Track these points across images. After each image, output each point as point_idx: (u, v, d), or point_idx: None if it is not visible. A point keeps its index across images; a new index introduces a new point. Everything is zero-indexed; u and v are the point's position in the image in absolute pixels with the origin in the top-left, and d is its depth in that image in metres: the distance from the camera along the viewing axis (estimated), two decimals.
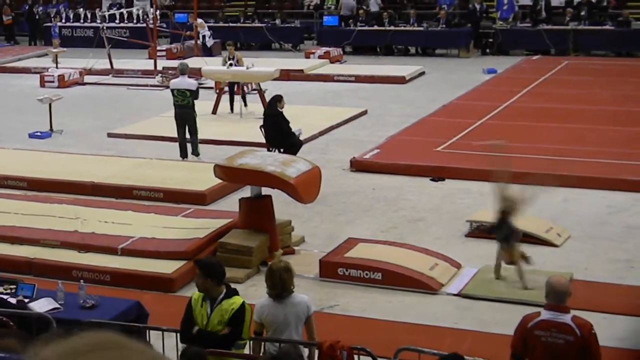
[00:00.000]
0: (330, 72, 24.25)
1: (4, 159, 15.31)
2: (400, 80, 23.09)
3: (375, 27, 28.18)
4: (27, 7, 32.76)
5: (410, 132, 17.14)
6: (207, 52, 26.30)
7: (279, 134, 14.35)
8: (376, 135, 16.99)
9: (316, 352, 6.99)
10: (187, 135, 15.41)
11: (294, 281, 7.26)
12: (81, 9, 32.06)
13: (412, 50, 28.81)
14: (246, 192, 11.78)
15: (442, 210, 12.79)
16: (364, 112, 19.21)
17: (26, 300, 8.25)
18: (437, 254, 10.67)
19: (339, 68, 25.22)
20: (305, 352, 7.00)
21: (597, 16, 27.69)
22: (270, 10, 31.86)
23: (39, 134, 17.82)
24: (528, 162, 14.42)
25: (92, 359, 1.43)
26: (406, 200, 13.28)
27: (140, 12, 28.80)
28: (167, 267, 10.41)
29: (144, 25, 27.05)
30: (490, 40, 27.84)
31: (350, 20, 28.85)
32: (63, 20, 31.34)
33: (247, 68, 18.87)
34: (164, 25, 28.62)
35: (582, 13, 27.13)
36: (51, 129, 18.00)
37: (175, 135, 15.53)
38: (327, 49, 26.91)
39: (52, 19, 31.06)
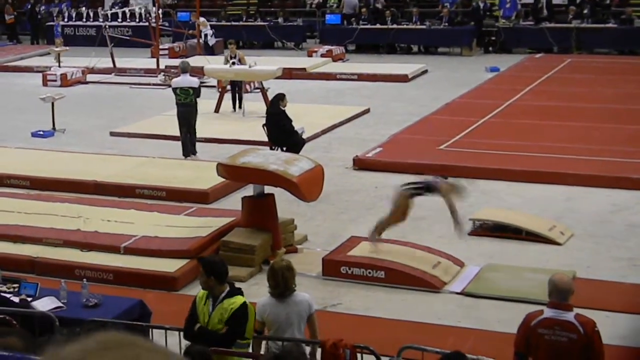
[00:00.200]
0: (333, 71, 24.24)
1: (6, 158, 15.32)
2: (402, 78, 23.08)
3: (378, 26, 28.17)
4: (29, 6, 32.77)
5: (412, 130, 17.13)
6: (210, 50, 26.30)
7: (282, 132, 14.35)
8: (379, 133, 16.98)
9: (318, 350, 6.99)
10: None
11: (295, 280, 7.27)
12: (83, 8, 32.05)
13: (415, 48, 28.80)
14: (249, 190, 11.78)
15: (444, 209, 12.73)
16: (367, 111, 19.20)
17: (29, 299, 8.25)
18: (440, 253, 10.66)
19: (341, 66, 25.21)
20: (307, 350, 6.99)
21: (600, 14, 27.66)
22: (272, 9, 31.86)
23: (41, 133, 17.83)
24: (530, 161, 14.43)
25: (107, 357, 1.45)
26: None
27: (143, 10, 28.78)
28: (169, 265, 10.41)
29: (147, 24, 27.04)
30: (493, 38, 27.83)
31: (353, 19, 28.83)
32: (65, 19, 31.35)
33: (250, 67, 18.87)
34: (167, 24, 28.62)
35: (585, 11, 27.10)
36: (54, 128, 18.00)
37: (178, 133, 15.54)
38: (330, 47, 26.90)
39: (55, 18, 31.07)
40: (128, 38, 27.39)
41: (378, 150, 15.39)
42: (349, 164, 15.01)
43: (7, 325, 6.94)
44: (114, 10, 30.44)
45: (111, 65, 24.55)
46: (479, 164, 14.30)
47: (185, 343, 6.88)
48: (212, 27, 27.44)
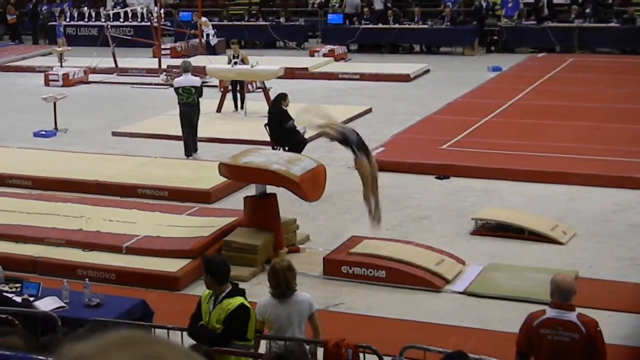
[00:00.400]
0: (335, 70, 24.24)
1: (8, 158, 15.33)
2: (404, 78, 23.07)
3: (380, 25, 28.16)
4: (31, 6, 32.78)
5: (415, 130, 17.13)
6: (211, 50, 26.31)
7: (284, 132, 14.34)
8: (381, 133, 16.96)
9: (317, 349, 6.98)
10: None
11: (297, 279, 7.27)
12: (85, 8, 32.06)
13: (417, 48, 28.78)
14: (251, 190, 11.78)
15: (447, 208, 12.78)
16: (369, 110, 19.19)
17: (31, 299, 8.25)
18: (442, 252, 10.66)
19: (343, 66, 25.20)
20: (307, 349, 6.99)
21: (602, 13, 27.63)
22: (274, 9, 31.84)
23: (43, 132, 17.84)
24: (533, 160, 14.42)
25: (125, 353, 1.46)
26: (411, 198, 13.26)
27: (145, 10, 28.79)
28: (172, 265, 10.41)
29: (149, 23, 27.05)
30: (495, 37, 27.80)
31: (355, 18, 28.83)
32: (67, 19, 31.35)
33: (252, 66, 18.87)
34: (168, 24, 28.63)
35: (587, 10, 27.07)
36: (56, 128, 18.01)
37: (180, 133, 15.54)
38: (332, 47, 26.89)
39: (57, 18, 31.08)
40: (130, 38, 27.40)
41: (380, 149, 15.37)
42: (351, 164, 14.92)
43: (9, 325, 6.95)
44: (115, 10, 30.44)
45: (113, 65, 24.55)
46: (481, 164, 14.30)
47: (187, 343, 6.88)
48: (214, 26, 27.45)
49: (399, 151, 15.31)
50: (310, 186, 10.78)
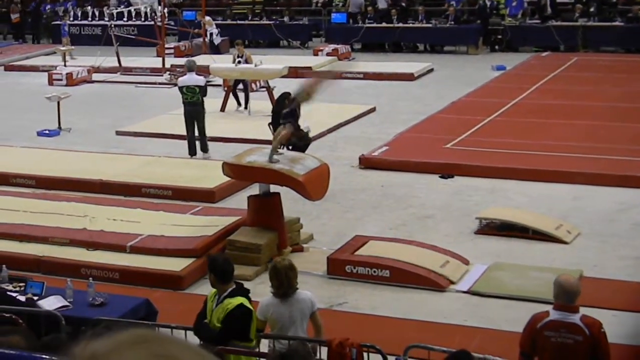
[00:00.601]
0: (339, 69, 24.18)
1: (12, 157, 15.34)
2: (408, 77, 23.05)
3: (384, 24, 28.14)
4: (34, 6, 32.80)
5: (418, 129, 17.11)
6: (215, 49, 26.30)
7: None
8: (385, 132, 16.96)
9: (319, 348, 6.97)
10: (196, 133, 15.41)
11: (300, 278, 7.26)
12: (89, 7, 32.08)
13: (421, 47, 28.77)
14: (255, 189, 11.78)
15: (451, 208, 12.76)
16: (373, 109, 19.19)
17: (35, 298, 8.26)
18: (446, 251, 10.65)
19: (347, 65, 25.17)
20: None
21: (607, 12, 27.59)
22: (278, 8, 31.83)
23: (47, 132, 17.84)
24: (537, 159, 14.40)
25: (137, 352, 1.46)
26: (415, 198, 13.25)
27: (148, 10, 28.78)
28: (175, 264, 10.41)
29: (152, 23, 27.05)
30: (499, 36, 27.77)
31: (359, 18, 28.81)
32: (71, 18, 31.36)
33: (256, 65, 18.86)
34: (172, 23, 28.64)
35: (592, 9, 27.04)
36: (59, 127, 18.01)
37: (184, 132, 15.54)
38: (336, 46, 26.87)
39: (62, 17, 31.08)
40: (133, 37, 27.41)
41: (384, 149, 15.37)
42: (354, 163, 14.99)
43: (13, 324, 6.95)
44: (119, 10, 30.44)
45: (117, 64, 24.55)
46: (485, 163, 14.28)
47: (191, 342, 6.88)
48: (217, 26, 27.44)
49: (402, 150, 15.29)
50: (313, 185, 10.77)
